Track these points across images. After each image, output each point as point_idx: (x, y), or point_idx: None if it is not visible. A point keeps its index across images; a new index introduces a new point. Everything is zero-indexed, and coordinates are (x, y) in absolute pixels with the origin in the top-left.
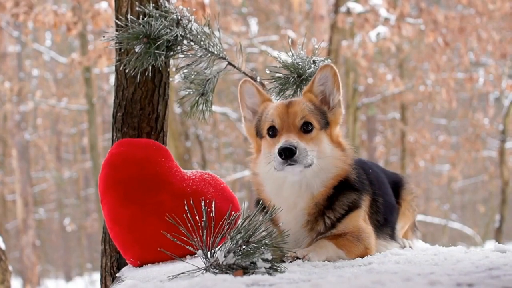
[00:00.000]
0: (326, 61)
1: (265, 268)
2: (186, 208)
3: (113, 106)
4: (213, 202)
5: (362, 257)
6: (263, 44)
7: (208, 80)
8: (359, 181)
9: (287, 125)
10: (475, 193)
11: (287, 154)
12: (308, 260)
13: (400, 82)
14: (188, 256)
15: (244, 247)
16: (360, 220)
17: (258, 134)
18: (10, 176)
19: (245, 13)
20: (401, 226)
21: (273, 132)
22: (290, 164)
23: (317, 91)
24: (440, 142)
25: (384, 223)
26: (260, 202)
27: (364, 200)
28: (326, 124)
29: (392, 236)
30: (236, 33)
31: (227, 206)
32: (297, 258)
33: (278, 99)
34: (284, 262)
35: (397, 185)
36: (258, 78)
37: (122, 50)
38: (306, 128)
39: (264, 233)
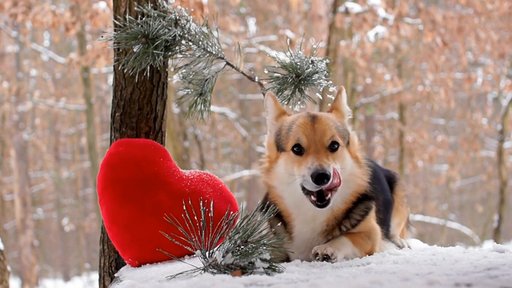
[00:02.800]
0: (324, 61)
1: (264, 268)
2: (184, 208)
3: (112, 106)
4: (212, 202)
5: (368, 255)
6: (262, 44)
7: (206, 80)
8: (373, 189)
9: (314, 144)
10: (474, 193)
11: (324, 180)
12: (334, 259)
13: (398, 82)
14: (186, 256)
15: (242, 247)
16: (372, 220)
17: (279, 148)
18: (8, 176)
19: (244, 13)
20: (397, 223)
21: (298, 149)
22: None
23: (343, 110)
24: (438, 142)
25: (383, 222)
26: (267, 204)
27: (374, 202)
28: (348, 142)
29: (387, 235)
30: (234, 33)
31: (226, 206)
32: (326, 255)
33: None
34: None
35: (390, 180)
36: (256, 78)
37: (121, 50)
38: (332, 147)
39: (262, 233)
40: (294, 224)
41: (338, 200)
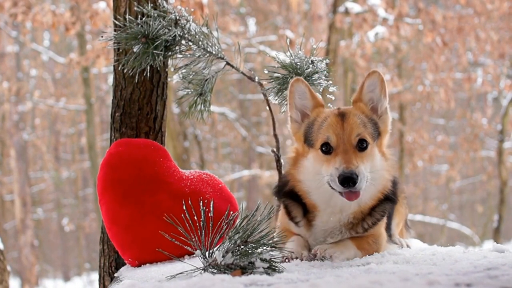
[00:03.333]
0: (324, 61)
1: (264, 268)
2: (184, 208)
3: (112, 106)
4: (212, 202)
5: None
6: (262, 44)
7: (206, 80)
8: (395, 192)
9: (342, 143)
10: (473, 193)
11: (350, 183)
12: (334, 260)
13: (398, 82)
14: (186, 256)
15: (242, 247)
16: (383, 224)
17: (307, 142)
18: (8, 176)
19: (243, 13)
20: (396, 223)
21: (327, 148)
22: (349, 189)
23: (366, 99)
24: (438, 142)
25: (387, 225)
26: (286, 195)
27: (392, 205)
28: (378, 136)
29: (390, 236)
30: (234, 33)
31: (226, 206)
32: (324, 257)
33: (276, 99)
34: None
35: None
36: (256, 78)
37: (121, 50)
38: (361, 145)
39: (262, 233)
40: (317, 214)
41: (367, 197)
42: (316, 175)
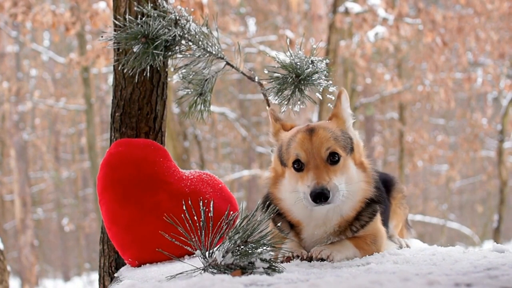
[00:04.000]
0: (324, 61)
1: (264, 268)
2: (184, 208)
3: (111, 106)
4: (212, 202)
5: None
6: (261, 44)
7: (206, 80)
8: (379, 194)
9: (313, 158)
10: (473, 193)
11: (322, 199)
12: (331, 261)
13: (398, 82)
14: (186, 256)
15: (242, 247)
16: (378, 223)
17: (282, 164)
18: (8, 176)
19: (243, 13)
20: (395, 225)
21: (298, 165)
22: (322, 205)
23: (344, 116)
24: (438, 142)
25: (384, 224)
26: (268, 204)
27: (380, 204)
28: (352, 149)
29: (389, 238)
30: (234, 33)
31: (226, 206)
32: (322, 259)
33: (276, 99)
34: (310, 261)
35: (387, 183)
36: (256, 78)
37: (120, 50)
38: (332, 159)
39: (262, 233)
40: (302, 229)
41: (348, 208)
42: (293, 193)
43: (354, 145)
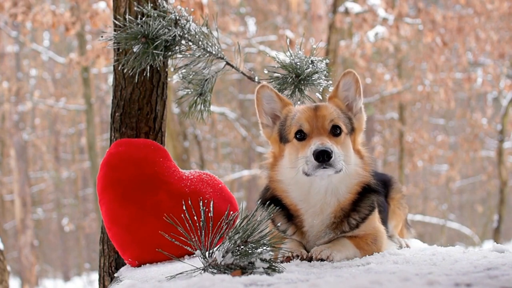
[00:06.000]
0: (324, 61)
1: (263, 268)
2: (184, 208)
3: (111, 106)
4: (211, 202)
5: None
6: (261, 44)
7: (206, 80)
8: (378, 184)
9: (316, 129)
10: (473, 193)
11: (325, 157)
12: (331, 260)
13: (398, 82)
14: (186, 256)
15: (242, 247)
16: (377, 221)
17: (282, 139)
18: (8, 176)
19: (243, 13)
20: (395, 225)
21: (301, 135)
22: (324, 168)
23: (341, 97)
24: (438, 142)
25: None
26: (269, 200)
27: (379, 196)
28: (352, 130)
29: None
30: (234, 33)
31: (225, 206)
32: (322, 259)
33: None
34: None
35: (385, 184)
36: (256, 78)
37: (120, 50)
38: (335, 131)
39: (262, 233)
40: (304, 218)
41: (343, 190)
42: (292, 169)
43: (355, 127)
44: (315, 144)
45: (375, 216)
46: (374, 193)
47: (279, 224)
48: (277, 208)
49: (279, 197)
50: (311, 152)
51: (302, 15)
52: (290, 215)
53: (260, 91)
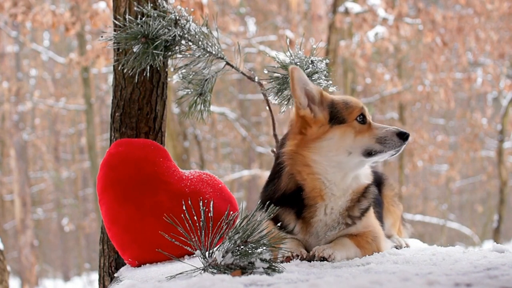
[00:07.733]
0: (324, 61)
1: (263, 268)
2: (184, 208)
3: (111, 106)
4: (211, 202)
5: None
6: (261, 44)
7: (206, 80)
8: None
9: (370, 118)
10: (473, 193)
11: (407, 136)
12: (332, 260)
13: (398, 82)
14: (186, 256)
15: (242, 247)
16: (373, 217)
17: (335, 120)
18: (8, 176)
19: (243, 13)
20: (392, 223)
21: (362, 119)
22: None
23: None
24: (438, 142)
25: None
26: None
27: (375, 188)
28: None
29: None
30: (234, 33)
31: (225, 206)
32: (324, 258)
33: (276, 99)
34: (311, 260)
35: (377, 181)
36: (256, 78)
37: (120, 50)
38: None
39: (262, 233)
40: (320, 205)
41: (363, 177)
42: (339, 149)
43: None
44: (385, 128)
45: (372, 211)
46: (372, 185)
47: (287, 223)
48: (282, 207)
49: (302, 184)
50: (395, 133)
51: (302, 15)
52: (300, 209)
53: (295, 71)
